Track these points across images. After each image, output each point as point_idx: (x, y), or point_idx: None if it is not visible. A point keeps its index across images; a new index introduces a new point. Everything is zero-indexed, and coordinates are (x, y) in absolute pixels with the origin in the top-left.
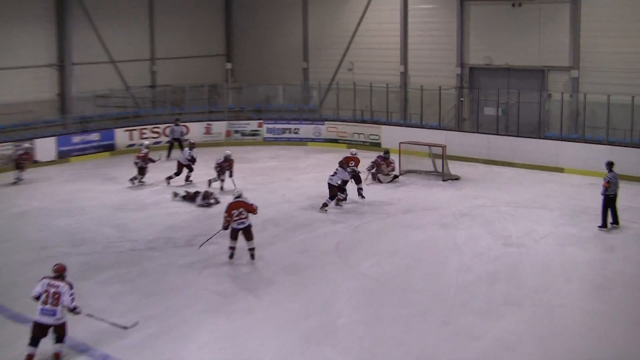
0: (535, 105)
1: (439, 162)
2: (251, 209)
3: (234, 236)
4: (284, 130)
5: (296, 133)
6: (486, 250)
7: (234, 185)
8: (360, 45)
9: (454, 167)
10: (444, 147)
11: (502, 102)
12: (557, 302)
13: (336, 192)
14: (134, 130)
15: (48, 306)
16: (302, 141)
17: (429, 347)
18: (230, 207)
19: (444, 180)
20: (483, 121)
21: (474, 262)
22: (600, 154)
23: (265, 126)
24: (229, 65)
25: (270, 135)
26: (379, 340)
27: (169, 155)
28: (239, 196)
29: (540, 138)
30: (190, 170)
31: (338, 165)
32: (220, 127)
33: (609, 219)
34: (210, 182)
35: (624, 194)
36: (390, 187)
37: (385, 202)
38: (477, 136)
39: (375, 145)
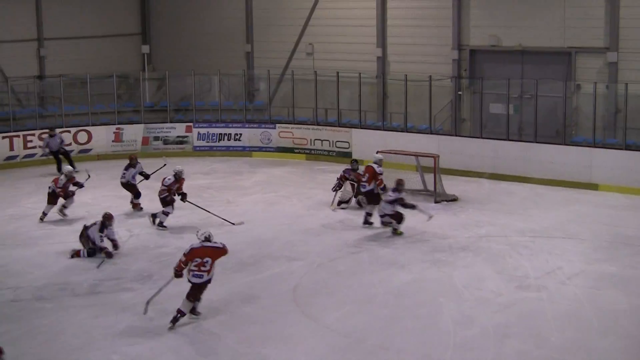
0: (559, 99)
1: (430, 177)
2: (222, 254)
3: (195, 295)
4: (221, 137)
5: (238, 140)
6: (494, 295)
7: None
8: (322, 21)
9: (450, 185)
10: (436, 157)
11: (514, 97)
12: None
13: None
14: (16, 137)
15: None
16: (246, 151)
17: None
18: (193, 254)
19: (436, 202)
20: (488, 122)
21: (477, 312)
22: None
23: (195, 131)
24: (145, 49)
25: (203, 144)
26: None
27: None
28: (206, 239)
29: (565, 144)
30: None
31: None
32: (134, 133)
33: None
34: (154, 219)
35: None
36: (361, 210)
37: (357, 230)
38: (481, 142)
39: (344, 155)
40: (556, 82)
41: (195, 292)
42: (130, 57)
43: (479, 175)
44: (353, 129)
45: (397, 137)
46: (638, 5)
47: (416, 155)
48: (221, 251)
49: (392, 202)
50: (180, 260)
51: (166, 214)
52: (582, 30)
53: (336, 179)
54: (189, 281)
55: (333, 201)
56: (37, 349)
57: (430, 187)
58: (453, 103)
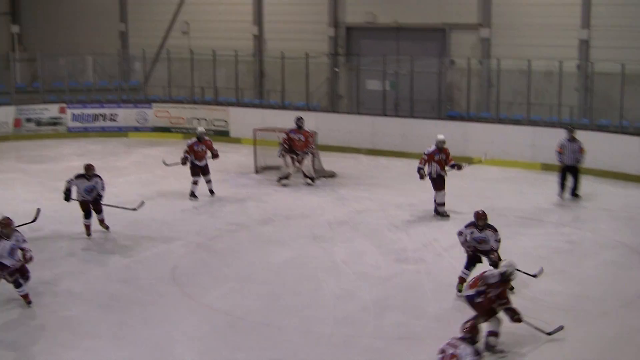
0: (434, 75)
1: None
2: None
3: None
4: (95, 117)
5: (113, 120)
6: (373, 269)
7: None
8: None
9: (329, 161)
10: (313, 134)
11: (390, 73)
12: None
13: None
14: None
15: None
16: (122, 131)
17: None
18: None
19: (312, 180)
20: (365, 99)
21: (357, 286)
22: (520, 137)
23: (69, 112)
24: (15, 29)
25: (78, 125)
26: None
27: None
28: None
29: (441, 119)
30: None
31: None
32: (5, 115)
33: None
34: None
35: (551, 189)
36: (242, 188)
37: (235, 209)
38: (358, 118)
39: (222, 134)
40: (431, 58)
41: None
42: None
43: (357, 151)
44: (230, 107)
45: (274, 114)
46: None
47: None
48: None
49: None
50: None
51: (195, 183)
52: (455, 6)
53: (279, 144)
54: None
55: (287, 164)
56: None
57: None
58: (330, 80)
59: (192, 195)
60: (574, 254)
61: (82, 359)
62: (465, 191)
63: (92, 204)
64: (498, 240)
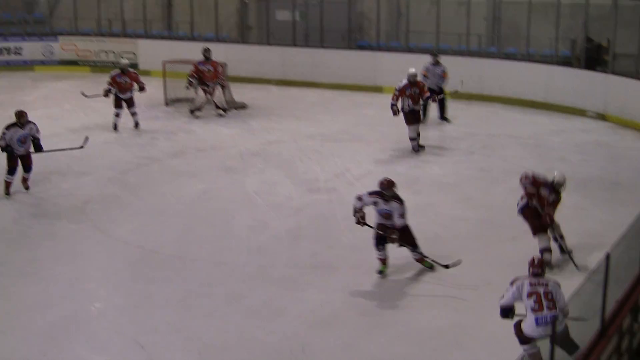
0: (344, 5)
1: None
2: None
3: None
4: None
5: (18, 54)
6: (286, 199)
7: None
8: None
9: (239, 92)
10: (223, 65)
11: (299, 4)
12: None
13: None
14: None
15: None
16: (28, 65)
17: (217, 330)
18: None
19: (224, 111)
20: (275, 29)
21: (270, 217)
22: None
23: None
24: None
25: None
26: (150, 327)
27: None
28: None
29: (351, 49)
30: None
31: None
32: None
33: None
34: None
35: (460, 117)
36: (152, 121)
37: (146, 142)
38: (268, 49)
39: (131, 67)
40: None
41: None
42: None
43: (267, 82)
44: (139, 40)
45: (183, 46)
46: None
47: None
48: None
49: None
50: None
51: (117, 115)
52: None
53: (188, 76)
54: None
55: (198, 95)
56: None
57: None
58: (239, 11)
59: (115, 127)
60: (483, 180)
61: None
62: (375, 120)
63: (21, 158)
64: (402, 215)
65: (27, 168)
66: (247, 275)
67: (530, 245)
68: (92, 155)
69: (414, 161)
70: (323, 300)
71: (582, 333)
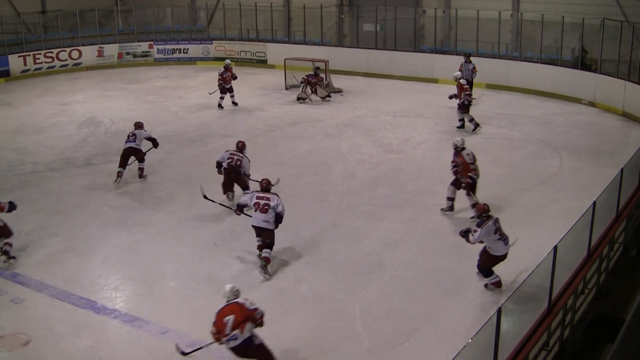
0: (411, 20)
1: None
2: (251, 318)
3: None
4: (173, 51)
5: (186, 53)
6: (368, 157)
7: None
8: None
9: (337, 81)
10: (326, 62)
11: (380, 19)
12: (434, 202)
13: None
14: (28, 56)
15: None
16: (192, 60)
17: (318, 247)
18: (220, 315)
19: (328, 96)
20: (362, 37)
21: (357, 169)
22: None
23: (155, 47)
24: None
25: (161, 56)
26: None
27: None
28: (233, 299)
29: (415, 51)
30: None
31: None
32: (112, 50)
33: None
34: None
35: (491, 102)
36: (276, 100)
37: (271, 115)
38: (357, 51)
39: (262, 62)
40: (409, 8)
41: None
42: None
43: (357, 74)
44: (267, 43)
45: (299, 48)
46: None
47: (312, 60)
48: (251, 313)
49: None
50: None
51: (222, 98)
52: None
53: (300, 82)
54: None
55: (307, 93)
56: (51, 205)
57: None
58: (337, 24)
59: (220, 106)
60: (507, 147)
61: (166, 219)
62: (432, 103)
63: (132, 153)
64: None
65: (141, 160)
66: (340, 210)
67: (540, 193)
68: (232, 123)
69: (458, 133)
70: (393, 229)
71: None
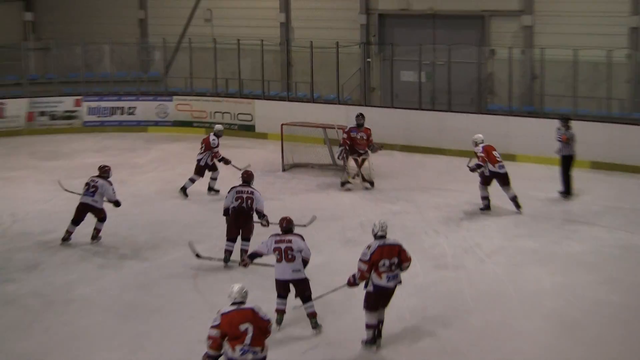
0: (473, 66)
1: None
2: (264, 331)
3: None
4: (113, 111)
5: (132, 114)
6: (410, 276)
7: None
8: None
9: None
10: (344, 129)
11: (426, 63)
12: (512, 347)
13: None
14: None
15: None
16: (141, 125)
17: None
18: (223, 323)
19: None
20: (400, 91)
21: (393, 296)
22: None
23: (85, 105)
24: (28, 16)
25: (94, 118)
26: None
27: None
28: (240, 302)
29: (481, 113)
30: None
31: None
32: (18, 108)
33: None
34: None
35: (601, 189)
36: (269, 187)
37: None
38: (392, 112)
39: (247, 128)
40: (470, 47)
41: None
42: (11, 25)
43: (391, 147)
44: (256, 100)
45: (303, 108)
46: None
47: (324, 127)
48: (264, 324)
49: None
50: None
51: (192, 180)
52: None
53: (339, 145)
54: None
55: (346, 172)
56: None
57: (340, 162)
58: (362, 71)
59: (183, 191)
60: (628, 261)
61: None
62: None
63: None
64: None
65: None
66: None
67: None
68: (204, 222)
69: (551, 236)
70: None
71: None
